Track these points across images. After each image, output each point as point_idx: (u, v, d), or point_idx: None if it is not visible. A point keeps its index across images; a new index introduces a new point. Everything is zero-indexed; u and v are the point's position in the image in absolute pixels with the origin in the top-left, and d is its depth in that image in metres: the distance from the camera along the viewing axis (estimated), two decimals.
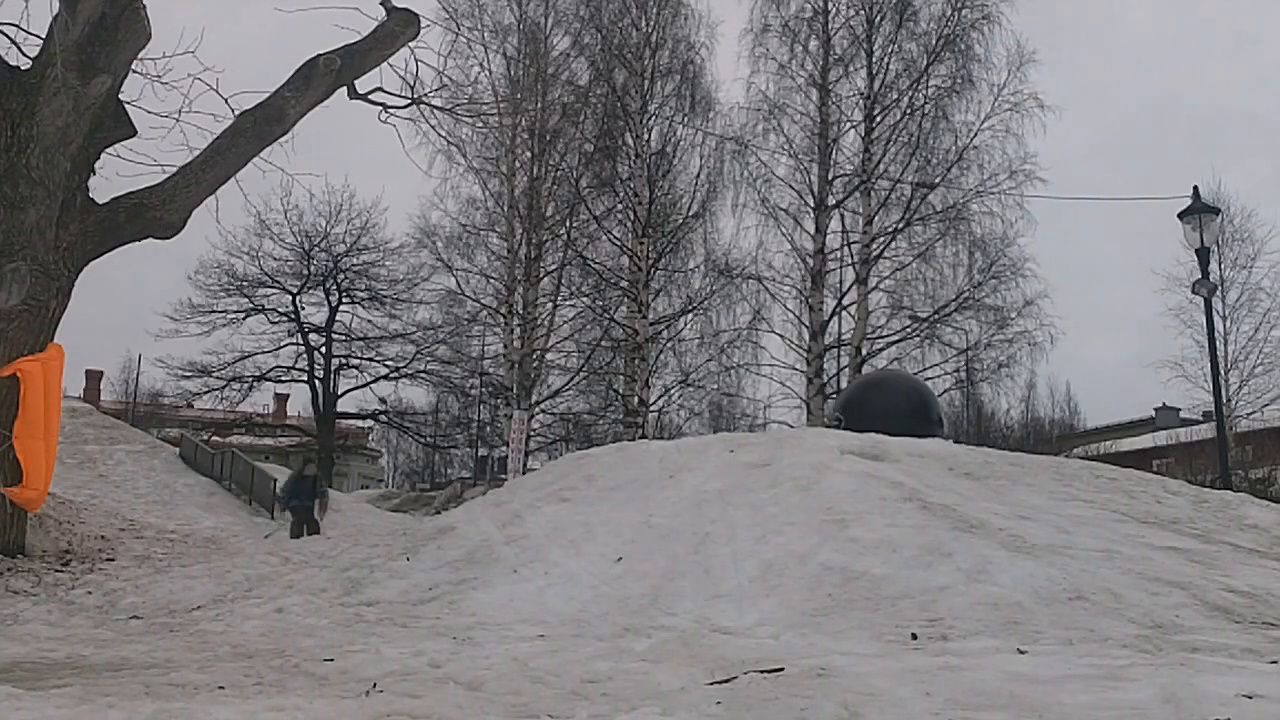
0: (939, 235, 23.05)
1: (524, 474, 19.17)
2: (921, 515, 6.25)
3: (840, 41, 23.75)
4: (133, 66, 8.27)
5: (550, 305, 25.14)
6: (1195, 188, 12.99)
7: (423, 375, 28.53)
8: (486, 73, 24.68)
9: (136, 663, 4.37)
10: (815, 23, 23.82)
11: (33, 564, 7.65)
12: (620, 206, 24.94)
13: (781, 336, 23.89)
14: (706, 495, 7.67)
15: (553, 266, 24.98)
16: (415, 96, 10.23)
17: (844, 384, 22.24)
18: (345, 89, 9.35)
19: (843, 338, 23.35)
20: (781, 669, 3.46)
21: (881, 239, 23.01)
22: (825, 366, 23.04)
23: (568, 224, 24.43)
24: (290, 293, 27.99)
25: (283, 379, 29.25)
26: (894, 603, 5.23)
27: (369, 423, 33.18)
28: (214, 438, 24.48)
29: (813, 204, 23.43)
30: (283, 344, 28.24)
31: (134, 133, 8.41)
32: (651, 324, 24.38)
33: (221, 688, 3.48)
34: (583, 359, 25.49)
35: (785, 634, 4.44)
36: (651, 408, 24.66)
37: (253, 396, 29.21)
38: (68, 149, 7.71)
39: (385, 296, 28.22)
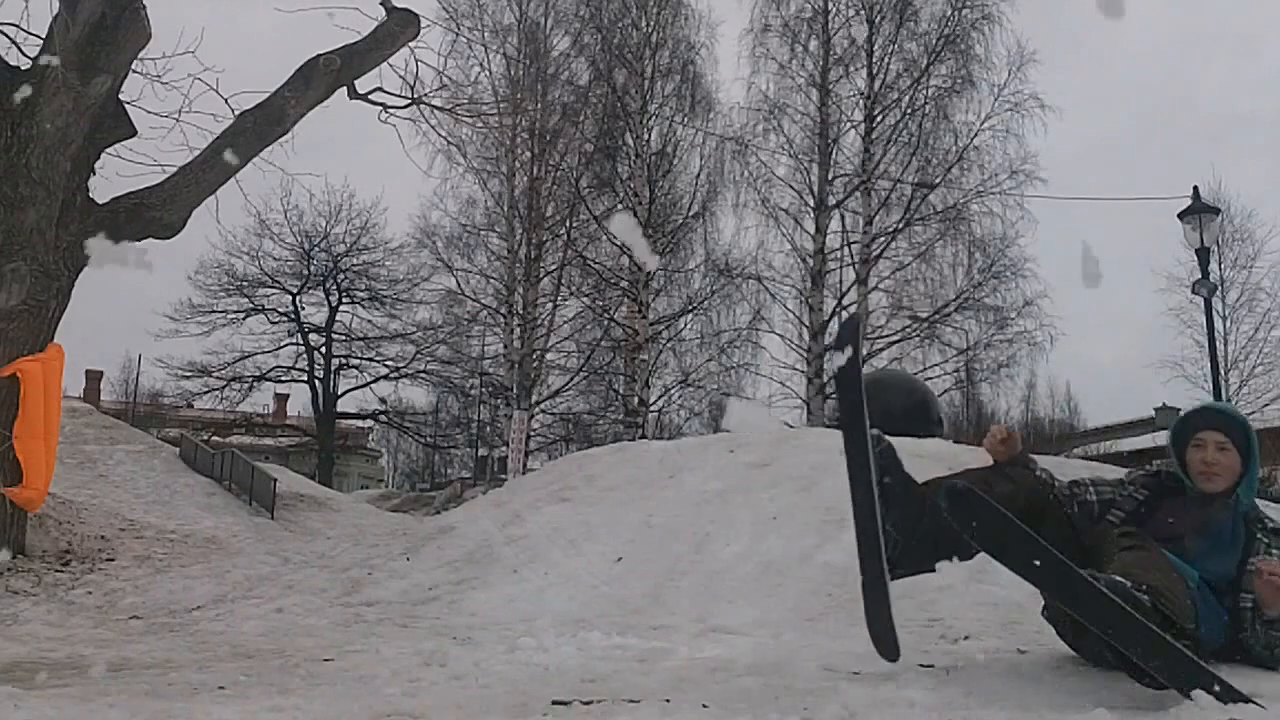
0: (939, 235, 23.13)
1: (524, 474, 19.18)
2: None
3: (840, 41, 23.83)
4: (133, 66, 8.27)
5: (550, 305, 25.17)
6: (1195, 188, 13.00)
7: (423, 375, 28.62)
8: (486, 73, 24.77)
9: (136, 663, 4.37)
10: (815, 23, 23.88)
11: (33, 564, 7.65)
12: (620, 206, 24.95)
13: (781, 336, 23.96)
14: (706, 495, 7.67)
15: (553, 266, 25.02)
16: (415, 96, 10.24)
17: None
18: (345, 89, 9.35)
19: None
20: (782, 669, 3.46)
21: (881, 239, 23.06)
22: (825, 366, 23.07)
23: (568, 224, 24.47)
24: (290, 293, 28.05)
25: (283, 379, 29.38)
26: (895, 603, 5.22)
27: (369, 423, 33.24)
28: (214, 438, 24.47)
29: (813, 204, 23.47)
30: (283, 344, 28.36)
31: (134, 133, 8.41)
32: (651, 324, 24.39)
33: (221, 688, 3.48)
34: (583, 359, 25.52)
35: (786, 634, 4.44)
36: (651, 408, 24.68)
37: (253, 396, 29.34)
38: (68, 149, 7.71)
39: (385, 296, 28.31)
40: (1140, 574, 2.77)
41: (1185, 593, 2.83)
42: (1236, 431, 3.22)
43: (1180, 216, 12.85)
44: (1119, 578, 2.73)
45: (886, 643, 3.01)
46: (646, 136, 24.89)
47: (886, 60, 23.40)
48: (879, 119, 23.22)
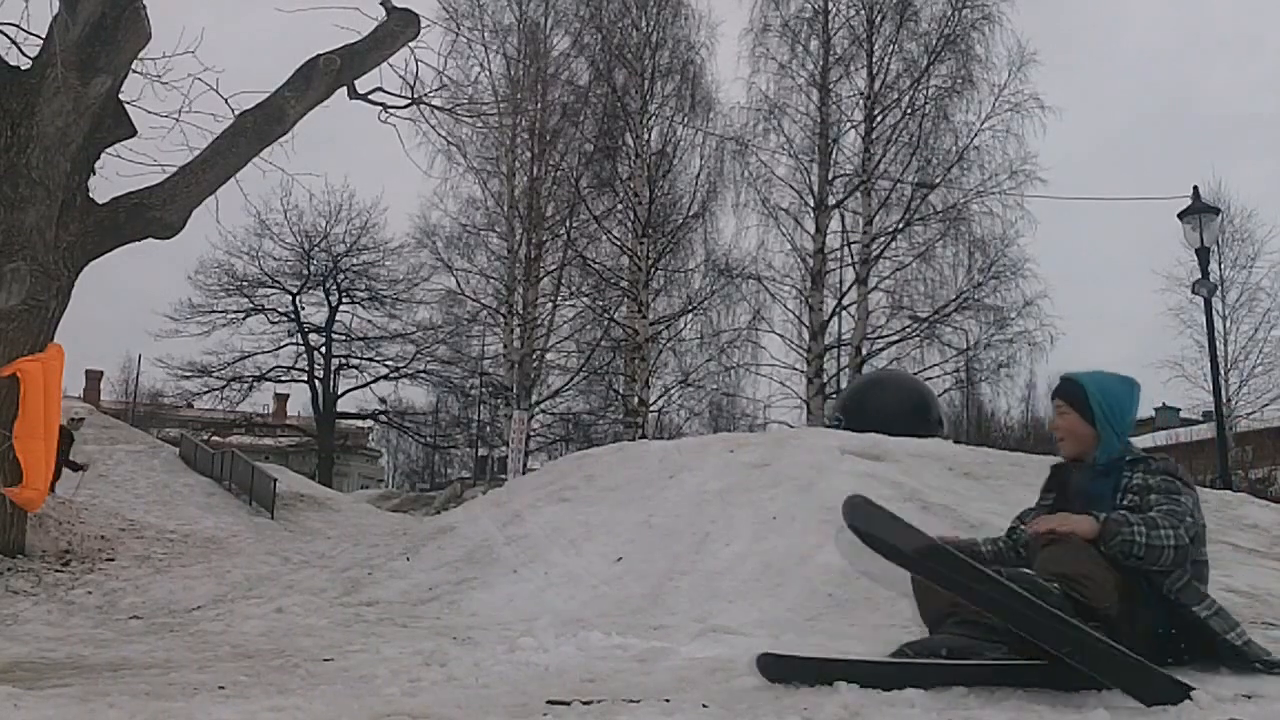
0: (939, 235, 23.10)
1: (524, 474, 19.18)
2: (921, 515, 6.24)
3: (840, 41, 23.79)
4: (133, 66, 8.28)
5: (550, 305, 25.14)
6: (1195, 188, 12.98)
7: (423, 375, 28.60)
8: (486, 73, 24.72)
9: (136, 663, 4.37)
10: (815, 23, 23.85)
11: (33, 564, 7.66)
12: (620, 206, 24.95)
13: (781, 336, 23.94)
14: (706, 495, 7.67)
15: (553, 266, 24.98)
16: (415, 96, 10.24)
17: (844, 384, 22.24)
18: (345, 89, 9.36)
19: (843, 338, 23.38)
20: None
21: (881, 239, 23.03)
22: (825, 366, 23.07)
23: (568, 224, 24.44)
24: (290, 293, 28.03)
25: (283, 379, 29.36)
26: (894, 603, 5.22)
27: (369, 423, 33.22)
28: (214, 438, 24.47)
29: (813, 204, 23.44)
30: (283, 344, 28.35)
31: (134, 133, 8.43)
32: (651, 324, 24.37)
33: (221, 688, 3.48)
34: (583, 359, 25.50)
35: (786, 634, 4.44)
36: (651, 408, 24.65)
37: (253, 396, 29.31)
38: (68, 149, 7.72)
39: (385, 296, 28.30)
40: (1054, 565, 2.80)
41: (1107, 575, 2.80)
42: (1072, 393, 3.21)
43: (1180, 216, 12.83)
44: (1027, 570, 2.79)
45: (1161, 685, 2.56)
46: (646, 136, 24.87)
47: (886, 60, 23.39)
48: (879, 119, 23.20)
